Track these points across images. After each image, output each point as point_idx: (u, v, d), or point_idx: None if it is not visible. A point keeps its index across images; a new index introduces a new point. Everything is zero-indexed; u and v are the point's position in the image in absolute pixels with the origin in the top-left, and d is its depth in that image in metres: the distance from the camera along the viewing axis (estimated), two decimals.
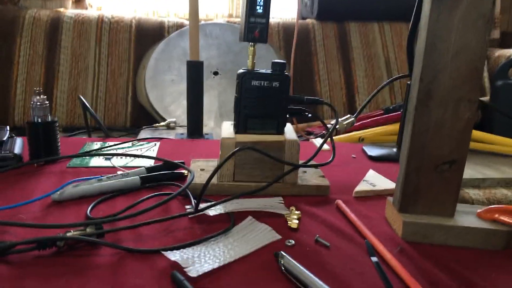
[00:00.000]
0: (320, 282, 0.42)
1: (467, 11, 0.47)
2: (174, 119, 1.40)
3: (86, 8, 1.84)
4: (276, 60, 0.64)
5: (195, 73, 1.20)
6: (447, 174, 0.52)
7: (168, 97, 1.58)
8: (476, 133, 1.14)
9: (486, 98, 1.63)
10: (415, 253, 0.51)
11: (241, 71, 0.64)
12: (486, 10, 0.47)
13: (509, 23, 2.14)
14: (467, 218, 0.53)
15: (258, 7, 0.61)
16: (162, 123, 1.39)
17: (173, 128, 1.39)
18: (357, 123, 1.35)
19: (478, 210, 0.54)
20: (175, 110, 1.56)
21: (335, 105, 1.65)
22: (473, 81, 0.48)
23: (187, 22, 1.68)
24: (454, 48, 0.48)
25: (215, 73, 1.61)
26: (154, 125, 1.40)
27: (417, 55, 0.50)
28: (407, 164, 0.52)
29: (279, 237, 0.53)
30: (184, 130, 1.33)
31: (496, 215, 0.52)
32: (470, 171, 0.99)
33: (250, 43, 0.64)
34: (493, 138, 1.15)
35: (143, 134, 1.32)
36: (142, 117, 1.60)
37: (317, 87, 1.65)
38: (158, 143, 0.91)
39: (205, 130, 1.32)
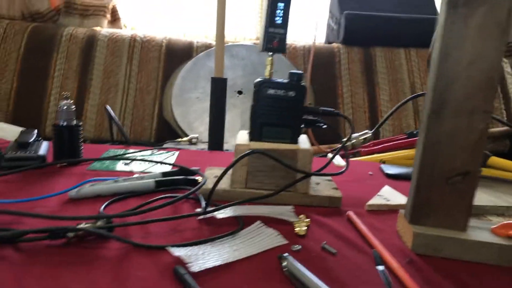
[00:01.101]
0: (322, 284, 0.41)
1: (482, 20, 0.47)
2: (196, 135, 1.43)
3: (121, 28, 1.93)
4: (293, 70, 0.65)
5: (218, 89, 1.22)
6: (460, 186, 0.50)
7: (193, 114, 1.61)
8: (503, 162, 1.11)
9: None
10: (425, 265, 0.49)
11: (258, 79, 0.66)
12: (502, 19, 0.46)
13: None
14: (480, 233, 0.52)
15: (277, 18, 0.63)
16: (185, 138, 1.42)
17: (195, 144, 1.40)
18: (379, 146, 1.34)
19: (493, 226, 0.52)
20: (199, 126, 1.58)
21: (359, 128, 1.64)
22: (488, 92, 0.48)
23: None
24: (469, 57, 0.47)
25: (239, 92, 1.64)
26: (176, 139, 1.42)
27: (432, 65, 0.50)
28: (419, 174, 0.51)
29: (286, 242, 0.53)
30: (205, 146, 1.34)
31: (511, 231, 0.51)
32: (495, 199, 0.95)
33: (269, 52, 0.66)
34: None
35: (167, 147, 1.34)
36: (167, 133, 1.64)
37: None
38: (177, 153, 0.93)
39: (226, 147, 1.33)
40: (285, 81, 0.65)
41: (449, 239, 0.50)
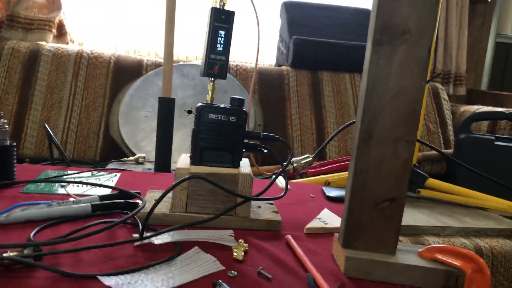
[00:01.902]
0: None
1: (404, 58, 0.50)
2: (143, 154, 1.40)
3: (68, 43, 1.87)
4: (234, 96, 0.66)
5: (166, 109, 1.21)
6: (388, 211, 0.53)
7: (140, 133, 1.59)
8: (439, 184, 1.17)
9: (450, 151, 1.69)
10: None
11: (200, 104, 0.66)
12: (422, 57, 0.50)
13: (475, 81, 2.26)
14: (408, 256, 0.54)
15: (218, 45, 0.64)
16: (131, 158, 1.39)
17: (141, 163, 1.38)
18: (325, 167, 1.38)
19: (419, 250, 0.55)
20: (147, 146, 1.56)
21: (306, 149, 1.68)
22: (410, 123, 0.51)
23: None
24: (392, 91, 0.51)
25: (189, 112, 1.63)
26: (122, 159, 1.39)
27: (360, 98, 0.53)
28: (350, 200, 0.54)
29: (222, 268, 0.53)
30: (152, 166, 1.32)
31: (436, 254, 0.54)
32: (431, 220, 1.01)
33: (210, 78, 0.67)
34: (456, 189, 1.18)
35: (110, 167, 1.31)
36: (113, 152, 1.59)
37: (289, 131, 1.69)
38: (118, 174, 0.91)
39: (174, 166, 1.32)
40: (226, 106, 0.66)
41: (378, 262, 0.53)
